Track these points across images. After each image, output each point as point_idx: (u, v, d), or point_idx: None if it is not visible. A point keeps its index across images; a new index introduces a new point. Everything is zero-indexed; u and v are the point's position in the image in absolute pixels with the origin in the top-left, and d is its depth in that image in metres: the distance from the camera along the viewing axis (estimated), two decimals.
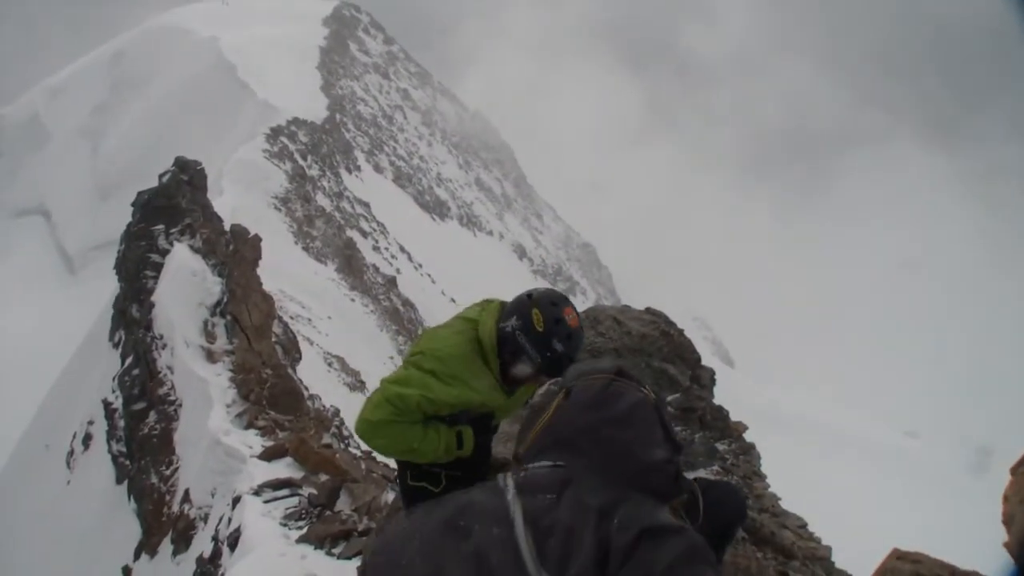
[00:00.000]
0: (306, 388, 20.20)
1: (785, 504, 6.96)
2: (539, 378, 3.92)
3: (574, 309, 3.81)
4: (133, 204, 22.64)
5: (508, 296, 4.06)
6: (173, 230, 21.30)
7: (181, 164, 23.16)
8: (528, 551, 1.83)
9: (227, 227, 21.99)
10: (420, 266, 57.04)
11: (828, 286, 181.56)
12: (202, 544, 13.64)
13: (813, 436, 78.29)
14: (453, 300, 50.33)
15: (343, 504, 10.87)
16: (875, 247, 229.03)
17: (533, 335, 3.72)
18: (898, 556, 3.32)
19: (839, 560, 6.37)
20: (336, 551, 9.39)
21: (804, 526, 6.69)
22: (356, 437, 18.19)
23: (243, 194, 37.66)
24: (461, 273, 58.47)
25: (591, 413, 2.06)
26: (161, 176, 22.72)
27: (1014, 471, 3.12)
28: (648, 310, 8.40)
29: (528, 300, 3.81)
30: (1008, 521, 3.06)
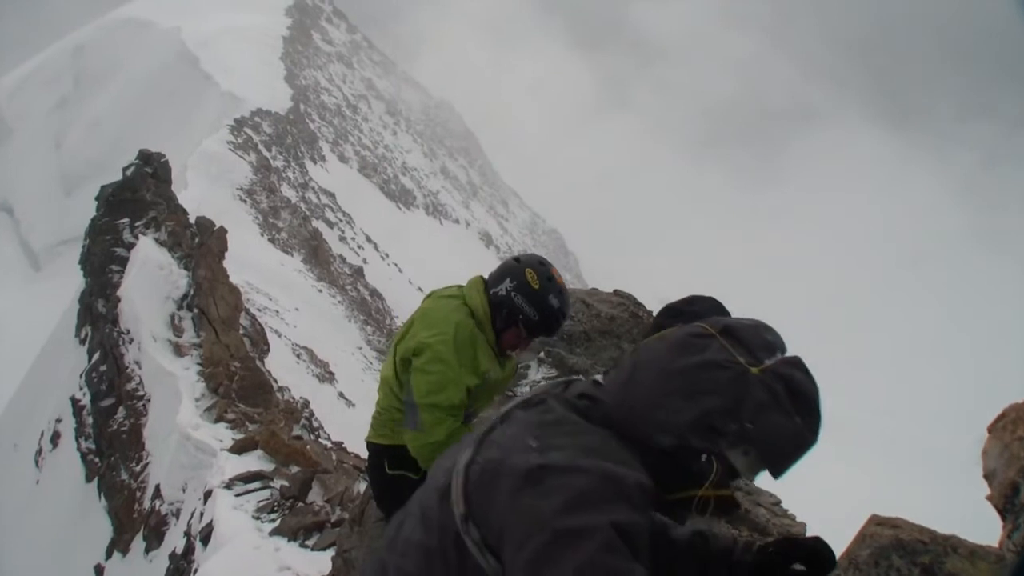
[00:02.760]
0: (275, 380, 20.10)
1: (757, 481, 6.97)
2: (527, 343, 4.05)
3: (556, 270, 3.97)
4: (97, 198, 22.45)
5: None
6: (138, 223, 21.13)
7: (145, 157, 22.95)
8: (471, 445, 1.90)
9: (192, 220, 21.84)
10: (387, 256, 56.89)
11: (791, 261, 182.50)
12: (174, 540, 13.58)
13: None
14: (420, 289, 50.17)
15: (315, 495, 10.84)
16: (834, 221, 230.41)
17: (529, 293, 3.84)
18: (877, 522, 3.36)
19: (816, 534, 6.38)
20: (310, 543, 9.37)
21: (778, 503, 6.72)
22: (327, 428, 18.07)
23: (208, 186, 37.34)
24: (428, 262, 58.37)
25: (660, 350, 1.87)
26: (125, 169, 22.54)
27: (991, 429, 3.22)
28: (616, 292, 8.41)
29: (518, 263, 3.94)
30: (989, 476, 3.16)
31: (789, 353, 1.88)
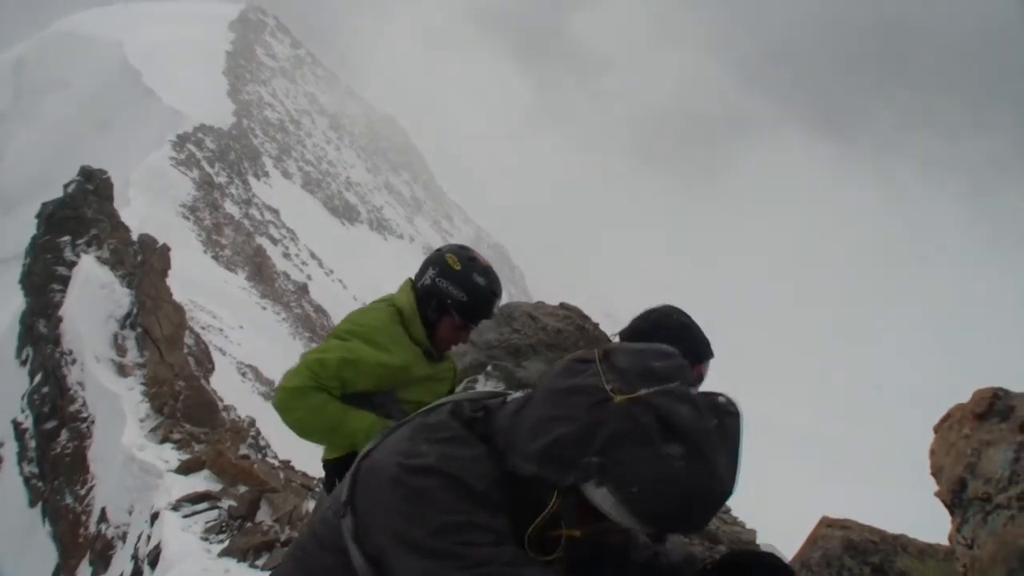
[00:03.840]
0: (220, 399, 19.89)
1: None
2: (465, 333, 4.07)
3: (478, 253, 4.07)
4: (38, 216, 22.11)
5: None
6: (80, 242, 20.81)
7: (86, 173, 22.64)
8: (377, 439, 1.95)
9: (135, 237, 21.58)
10: (331, 272, 56.72)
11: (733, 271, 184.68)
12: (121, 564, 13.34)
13: None
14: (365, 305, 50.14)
15: (264, 515, 10.73)
16: (775, 227, 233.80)
17: (452, 275, 3.90)
18: (827, 524, 3.45)
19: (770, 541, 6.44)
20: (259, 563, 9.27)
21: (728, 511, 6.79)
22: (274, 446, 17.87)
23: (151, 203, 36.99)
24: (372, 278, 58.16)
25: (550, 373, 1.78)
26: (66, 186, 22.19)
27: (937, 429, 3.34)
28: (562, 305, 8.45)
29: (438, 252, 4.04)
30: (936, 472, 3.27)
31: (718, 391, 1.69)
